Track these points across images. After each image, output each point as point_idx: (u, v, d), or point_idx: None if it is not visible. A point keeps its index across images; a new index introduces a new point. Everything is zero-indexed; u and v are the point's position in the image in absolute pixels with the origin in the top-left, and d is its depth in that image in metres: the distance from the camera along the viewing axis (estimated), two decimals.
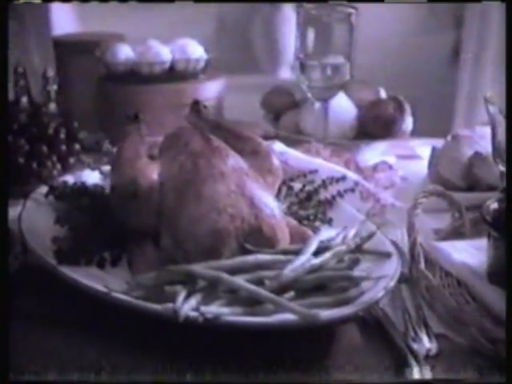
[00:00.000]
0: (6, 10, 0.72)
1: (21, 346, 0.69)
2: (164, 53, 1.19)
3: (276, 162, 0.85)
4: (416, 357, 0.66)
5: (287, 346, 0.67)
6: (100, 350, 0.68)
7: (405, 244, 0.83)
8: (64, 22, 2.17)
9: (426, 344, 0.68)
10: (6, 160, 0.74)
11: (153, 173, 0.79)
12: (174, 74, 1.21)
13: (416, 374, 0.64)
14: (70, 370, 0.64)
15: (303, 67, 1.05)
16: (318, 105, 1.08)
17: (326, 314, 0.64)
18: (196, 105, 0.92)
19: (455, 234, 0.87)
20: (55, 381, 0.63)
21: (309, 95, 1.08)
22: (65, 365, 0.65)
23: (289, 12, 2.48)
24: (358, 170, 1.03)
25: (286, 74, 2.58)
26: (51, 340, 0.70)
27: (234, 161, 0.78)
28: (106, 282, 0.70)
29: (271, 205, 0.76)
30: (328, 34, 1.06)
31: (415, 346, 0.68)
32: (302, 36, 1.05)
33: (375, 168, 1.05)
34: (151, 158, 0.84)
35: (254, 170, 0.80)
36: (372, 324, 0.72)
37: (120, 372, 0.64)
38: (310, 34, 1.06)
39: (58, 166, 1.03)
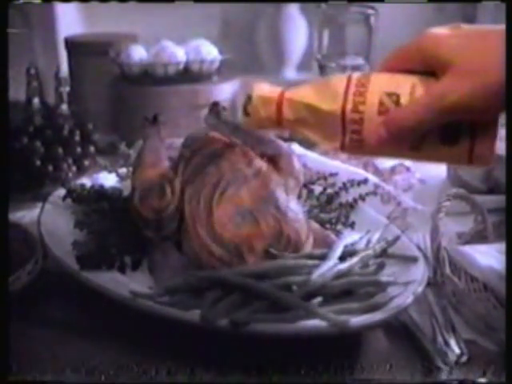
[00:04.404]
0: (6, 9, 0.72)
1: (37, 351, 0.68)
2: (179, 54, 1.18)
3: (297, 164, 0.83)
4: (445, 362, 0.65)
5: (310, 348, 0.66)
6: (113, 353, 0.68)
7: (427, 247, 0.83)
8: (70, 22, 2.16)
9: (456, 349, 0.67)
10: (6, 160, 0.74)
11: (175, 176, 0.78)
12: (189, 75, 1.20)
13: (445, 378, 0.63)
14: (83, 371, 0.64)
15: (322, 68, 1.04)
16: None
17: (356, 320, 0.63)
18: (215, 106, 0.90)
19: (478, 237, 0.86)
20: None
21: None
22: (78, 367, 0.65)
23: (294, 12, 2.47)
24: (377, 172, 1.02)
25: (291, 74, 2.57)
26: (65, 343, 0.70)
27: (257, 164, 0.77)
28: (128, 286, 0.69)
29: (295, 208, 0.75)
30: (345, 35, 1.06)
31: (444, 351, 0.67)
32: (320, 37, 1.04)
33: (393, 170, 1.04)
34: (170, 160, 0.83)
35: (276, 173, 0.79)
36: (399, 328, 0.72)
37: (133, 374, 0.64)
38: (327, 35, 1.05)
39: (74, 169, 1.03)
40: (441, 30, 0.57)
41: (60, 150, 1.02)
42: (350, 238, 0.77)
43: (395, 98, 0.57)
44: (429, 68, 0.57)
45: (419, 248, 0.80)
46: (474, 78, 0.53)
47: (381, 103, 0.57)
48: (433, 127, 0.57)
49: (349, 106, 0.58)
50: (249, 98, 0.63)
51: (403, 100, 0.57)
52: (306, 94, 0.61)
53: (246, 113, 0.64)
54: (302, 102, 0.61)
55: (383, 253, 0.75)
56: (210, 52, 1.21)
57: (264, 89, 0.63)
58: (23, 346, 0.68)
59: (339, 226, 0.85)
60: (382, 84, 0.58)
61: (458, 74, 0.54)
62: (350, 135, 0.59)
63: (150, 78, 1.18)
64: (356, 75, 0.60)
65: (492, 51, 0.54)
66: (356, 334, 0.69)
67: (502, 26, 0.55)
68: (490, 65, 0.53)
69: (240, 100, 1.25)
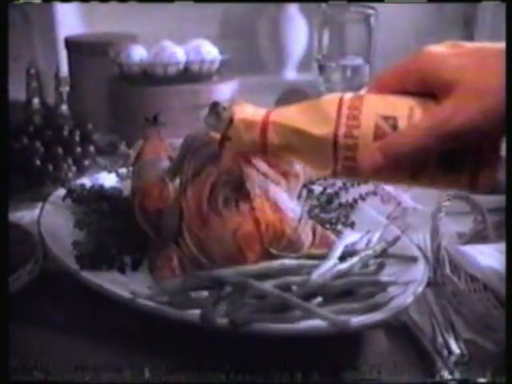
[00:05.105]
0: (6, 9, 0.72)
1: (37, 351, 0.68)
2: (178, 54, 1.18)
3: (298, 164, 0.83)
4: (445, 362, 0.65)
5: (311, 348, 0.66)
6: (113, 353, 0.68)
7: (427, 247, 0.83)
8: (70, 22, 2.16)
9: (456, 349, 0.67)
10: (6, 160, 0.74)
11: (175, 176, 0.78)
12: (189, 75, 1.20)
13: (445, 378, 0.63)
14: (83, 371, 0.64)
15: (322, 68, 1.04)
16: None
17: (357, 320, 0.63)
18: (215, 106, 0.90)
19: (478, 237, 0.86)
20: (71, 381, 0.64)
21: None
22: (78, 367, 0.65)
23: (294, 12, 2.47)
24: None
25: (291, 74, 2.57)
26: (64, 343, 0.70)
27: (257, 164, 0.77)
28: (128, 286, 0.69)
29: (295, 208, 0.75)
30: (345, 35, 1.06)
31: (444, 351, 0.67)
32: (320, 37, 1.05)
33: None
34: (170, 160, 0.83)
35: (276, 172, 0.79)
36: (399, 328, 0.72)
37: (133, 374, 0.64)
38: (327, 35, 1.05)
39: (74, 169, 1.03)
40: (440, 49, 0.53)
41: (60, 150, 1.02)
42: (349, 238, 0.77)
43: (392, 121, 0.52)
44: (427, 89, 0.53)
45: (419, 248, 0.79)
46: (482, 98, 0.50)
47: (377, 127, 0.52)
48: (434, 153, 0.53)
49: (341, 131, 0.53)
50: (230, 121, 0.58)
51: (401, 124, 0.52)
52: (294, 116, 0.55)
53: (227, 137, 0.58)
54: (288, 125, 0.55)
55: (383, 253, 0.75)
56: (210, 52, 1.21)
57: (246, 111, 0.58)
58: (23, 346, 0.68)
59: (339, 226, 0.85)
60: (376, 106, 0.53)
61: (463, 95, 0.51)
62: (343, 162, 0.54)
63: (149, 78, 1.18)
64: (348, 96, 0.54)
65: (496, 70, 0.51)
66: (356, 334, 0.69)
67: (503, 44, 0.52)
68: (496, 84, 0.50)
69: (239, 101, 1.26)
